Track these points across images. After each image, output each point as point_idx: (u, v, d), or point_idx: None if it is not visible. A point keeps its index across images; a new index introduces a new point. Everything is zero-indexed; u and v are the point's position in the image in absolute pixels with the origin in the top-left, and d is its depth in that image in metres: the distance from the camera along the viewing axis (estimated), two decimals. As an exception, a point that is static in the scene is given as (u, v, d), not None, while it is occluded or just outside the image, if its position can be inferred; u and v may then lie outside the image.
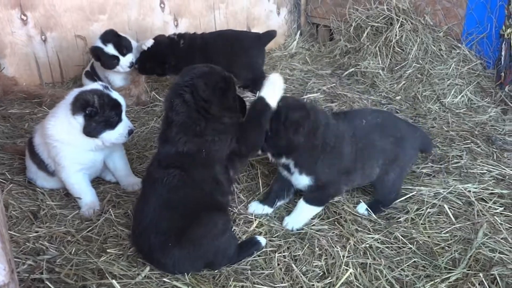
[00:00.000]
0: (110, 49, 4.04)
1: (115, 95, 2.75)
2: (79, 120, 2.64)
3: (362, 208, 2.78)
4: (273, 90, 2.43)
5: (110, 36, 4.09)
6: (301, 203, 2.66)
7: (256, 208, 2.77)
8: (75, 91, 2.74)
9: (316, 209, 2.69)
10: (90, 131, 2.66)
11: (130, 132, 2.81)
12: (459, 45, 4.52)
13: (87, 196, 2.78)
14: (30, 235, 2.47)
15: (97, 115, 2.64)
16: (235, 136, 2.37)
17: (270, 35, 4.39)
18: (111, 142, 2.77)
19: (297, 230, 2.62)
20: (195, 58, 4.02)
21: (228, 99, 2.40)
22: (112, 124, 2.71)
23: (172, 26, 5.19)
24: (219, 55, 4.08)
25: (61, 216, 2.69)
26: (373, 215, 2.73)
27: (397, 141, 2.72)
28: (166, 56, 4.12)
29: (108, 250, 2.40)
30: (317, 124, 2.52)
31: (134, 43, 4.25)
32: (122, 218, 2.66)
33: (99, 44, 4.06)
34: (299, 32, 5.91)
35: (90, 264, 2.30)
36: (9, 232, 2.40)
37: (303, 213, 2.67)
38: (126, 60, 4.10)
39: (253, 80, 4.18)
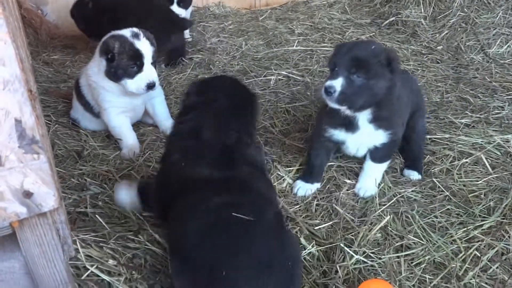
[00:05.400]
0: None
1: (140, 44, 2.70)
2: (103, 63, 2.73)
3: (413, 173, 2.63)
4: None
5: None
6: (370, 165, 2.46)
7: (304, 188, 2.52)
8: (108, 34, 2.79)
9: (386, 165, 2.51)
10: (110, 75, 2.73)
11: (149, 86, 2.74)
12: (508, -9, 4.30)
13: (128, 139, 2.87)
14: (75, 172, 2.60)
15: (115, 61, 2.68)
16: None
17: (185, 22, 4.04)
18: (130, 91, 2.76)
19: (372, 195, 2.47)
20: (103, 21, 3.67)
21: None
22: (130, 73, 2.71)
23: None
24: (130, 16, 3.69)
25: (103, 156, 2.81)
26: (422, 175, 2.63)
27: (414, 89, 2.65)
28: (79, 19, 4.02)
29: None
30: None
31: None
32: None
33: None
34: (339, -20, 5.72)
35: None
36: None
37: (376, 174, 2.48)
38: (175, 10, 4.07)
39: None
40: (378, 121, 2.32)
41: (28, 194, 1.43)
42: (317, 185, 2.54)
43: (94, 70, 2.81)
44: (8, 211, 1.43)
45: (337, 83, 2.16)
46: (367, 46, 2.24)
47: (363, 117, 2.31)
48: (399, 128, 2.40)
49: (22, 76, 1.33)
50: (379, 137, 2.36)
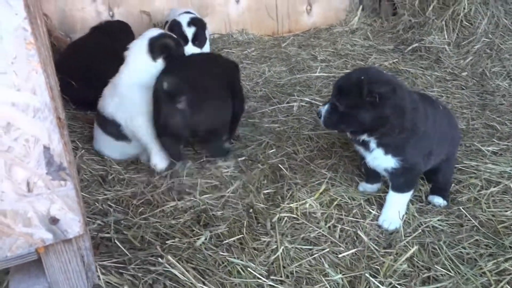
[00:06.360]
0: (189, 31, 3.96)
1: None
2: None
3: (438, 199, 2.60)
4: None
5: (199, 23, 4.03)
6: (391, 195, 2.47)
7: (364, 187, 2.70)
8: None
9: (408, 195, 2.47)
10: None
11: None
12: (534, 18, 4.27)
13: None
14: (99, 197, 2.63)
15: None
16: None
17: None
18: None
19: (397, 228, 2.43)
20: None
21: None
22: None
23: (233, 2, 5.20)
24: None
25: (128, 180, 2.83)
26: (448, 203, 2.59)
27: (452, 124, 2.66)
28: None
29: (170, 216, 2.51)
30: (405, 103, 2.27)
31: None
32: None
33: (183, 22, 3.98)
34: (361, 7, 5.74)
35: (155, 229, 2.40)
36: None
37: (397, 205, 2.46)
38: (189, 50, 3.93)
39: None
40: (385, 146, 2.36)
41: (54, 220, 1.45)
42: (377, 185, 2.71)
43: None
44: (35, 237, 1.45)
45: (323, 109, 2.38)
46: (357, 76, 2.28)
47: (373, 140, 2.37)
48: (414, 158, 2.38)
49: (51, 104, 1.36)
50: (389, 161, 2.39)
